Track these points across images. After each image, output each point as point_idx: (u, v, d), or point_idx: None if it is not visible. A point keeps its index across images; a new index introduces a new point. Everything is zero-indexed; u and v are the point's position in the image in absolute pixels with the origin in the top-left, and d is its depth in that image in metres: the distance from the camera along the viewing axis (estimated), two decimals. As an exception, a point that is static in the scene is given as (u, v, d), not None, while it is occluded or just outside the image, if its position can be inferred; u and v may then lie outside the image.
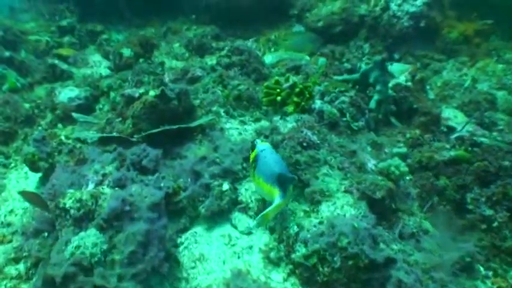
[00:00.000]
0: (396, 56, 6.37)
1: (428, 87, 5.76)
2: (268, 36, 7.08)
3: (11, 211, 3.70)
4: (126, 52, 5.67)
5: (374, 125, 4.39)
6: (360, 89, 4.57)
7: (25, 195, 3.27)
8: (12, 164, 4.47)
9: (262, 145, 3.15)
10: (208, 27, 7.39)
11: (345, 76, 4.79)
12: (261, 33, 7.32)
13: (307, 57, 6.55)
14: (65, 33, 7.81)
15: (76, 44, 7.65)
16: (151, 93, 3.92)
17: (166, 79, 4.69)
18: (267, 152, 3.06)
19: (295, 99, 4.15)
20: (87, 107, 4.74)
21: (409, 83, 4.91)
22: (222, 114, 4.30)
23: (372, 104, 4.42)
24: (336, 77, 4.82)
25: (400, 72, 5.81)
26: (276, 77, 4.46)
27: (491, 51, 6.32)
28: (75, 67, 6.07)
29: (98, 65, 6.13)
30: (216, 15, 7.49)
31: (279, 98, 4.18)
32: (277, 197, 2.81)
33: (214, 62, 5.41)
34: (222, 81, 4.63)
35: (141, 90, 4.00)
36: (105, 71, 6.04)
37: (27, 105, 4.99)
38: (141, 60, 5.71)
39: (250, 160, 3.19)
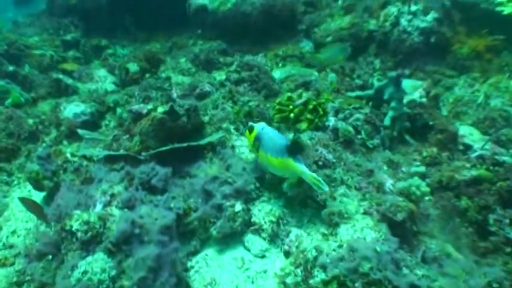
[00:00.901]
0: (407, 72, 6.24)
1: (440, 103, 5.64)
2: (275, 52, 6.97)
3: (14, 232, 3.55)
4: (133, 67, 5.55)
5: (389, 143, 4.25)
6: (374, 105, 4.45)
7: (25, 202, 3.14)
8: (15, 182, 4.34)
9: (260, 125, 3.27)
10: (215, 42, 7.29)
11: (358, 92, 4.67)
12: (269, 49, 7.22)
13: (316, 73, 6.43)
14: (70, 47, 7.74)
15: (81, 58, 7.56)
16: (160, 109, 3.79)
17: (174, 95, 4.55)
18: (267, 129, 3.21)
19: (309, 116, 4.02)
20: (92, 123, 4.61)
21: (424, 100, 4.78)
22: (232, 131, 4.17)
23: (387, 121, 4.28)
24: (349, 94, 4.70)
25: (412, 88, 5.68)
26: (289, 94, 4.32)
27: (503, 67, 6.19)
28: (80, 82, 5.95)
29: (103, 80, 6.01)
30: (222, 31, 7.39)
31: (292, 115, 4.05)
32: (297, 166, 2.95)
33: (223, 77, 5.29)
34: (232, 97, 4.50)
35: (149, 107, 3.87)
36: (110, 86, 5.93)
37: (30, 121, 4.85)
38: (147, 75, 5.60)
39: (251, 141, 3.28)
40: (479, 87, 6.00)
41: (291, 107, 4.08)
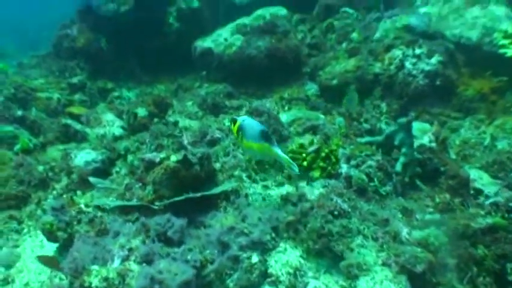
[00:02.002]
0: (412, 114, 6.28)
1: (447, 146, 5.66)
2: (281, 94, 7.03)
3: (27, 284, 3.51)
4: (141, 112, 5.59)
5: (401, 189, 4.25)
6: (384, 151, 4.46)
7: (43, 260, 3.11)
8: (25, 230, 4.31)
9: (242, 117, 3.63)
10: (221, 85, 7.37)
11: (369, 138, 4.68)
12: (273, 91, 7.29)
13: (322, 116, 6.48)
14: (76, 90, 7.79)
15: (87, 101, 7.62)
16: (173, 158, 3.80)
17: (185, 141, 4.57)
18: (248, 120, 3.57)
19: (321, 163, 4.03)
20: (103, 170, 4.61)
21: (433, 144, 4.80)
22: (245, 178, 4.17)
23: (398, 167, 4.29)
24: (359, 139, 4.71)
25: (419, 131, 5.71)
26: (301, 141, 4.34)
27: (508, 108, 6.24)
28: (88, 127, 5.97)
29: (111, 124, 6.03)
30: (228, 73, 7.47)
31: (305, 163, 4.06)
32: (273, 148, 3.36)
33: None
34: (243, 143, 4.51)
35: (162, 155, 3.88)
36: (118, 131, 5.94)
37: (41, 168, 4.86)
38: (155, 119, 5.63)
39: (235, 132, 3.61)
40: (485, 129, 6.04)
41: (303, 154, 4.09)
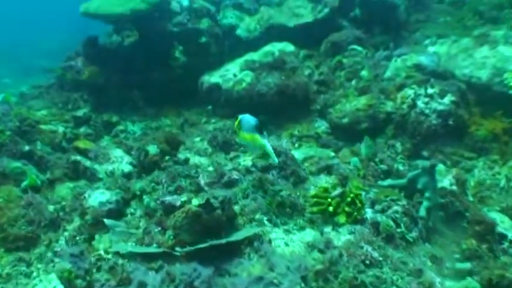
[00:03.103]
0: (425, 154, 6.22)
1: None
2: (291, 131, 6.96)
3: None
4: (153, 149, 5.47)
5: (425, 234, 4.14)
6: (406, 194, 4.36)
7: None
8: (35, 273, 4.13)
9: (243, 115, 4.14)
10: (229, 120, 7.28)
11: (390, 181, 4.60)
12: (283, 128, 7.21)
13: (332, 153, 6.40)
14: (81, 123, 7.68)
15: (92, 134, 7.49)
16: (195, 202, 3.67)
17: (202, 182, 4.46)
18: (247, 116, 4.07)
19: (347, 209, 3.91)
20: (117, 211, 4.46)
21: (454, 188, 4.72)
22: (266, 222, 4.05)
23: (422, 212, 4.19)
24: (380, 182, 4.62)
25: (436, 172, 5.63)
26: (324, 185, 4.24)
27: (521, 150, 6.22)
28: (97, 163, 5.84)
29: (119, 160, 5.90)
30: (236, 109, 7.38)
31: (331, 208, 3.94)
32: (261, 139, 3.91)
33: (247, 162, 5.19)
34: (262, 186, 4.40)
35: (183, 198, 3.77)
36: (127, 167, 5.82)
37: (51, 208, 4.70)
38: (167, 157, 5.51)
39: (236, 126, 4.15)
40: (500, 169, 5.97)
41: (329, 199, 3.98)
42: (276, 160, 3.95)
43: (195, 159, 6.14)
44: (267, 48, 8.09)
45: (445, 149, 6.30)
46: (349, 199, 3.94)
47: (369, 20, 8.79)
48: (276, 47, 8.16)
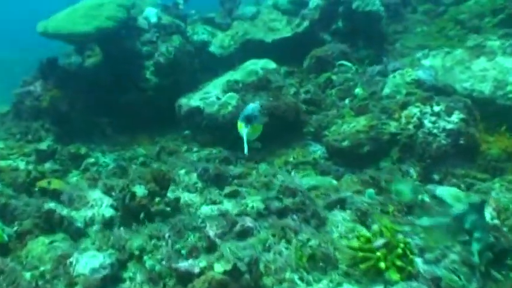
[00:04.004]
0: (436, 177, 5.72)
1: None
2: (285, 158, 6.33)
3: None
4: (140, 191, 4.71)
5: (483, 283, 3.57)
6: (452, 236, 3.79)
7: None
8: None
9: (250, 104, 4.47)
10: (214, 148, 6.59)
11: (429, 220, 4.01)
12: (275, 154, 6.57)
13: (334, 181, 5.81)
14: (45, 158, 6.82)
15: (59, 171, 6.65)
16: (218, 268, 2.97)
17: (211, 233, 3.75)
18: (249, 105, 4.38)
19: (398, 262, 3.28)
20: (113, 276, 3.67)
21: (497, 221, 4.19)
22: (297, 281, 3.38)
23: (476, 257, 3.62)
24: (419, 222, 4.02)
25: (452, 198, 5.12)
26: (365, 233, 3.61)
27: (538, 169, 5.80)
28: (73, 208, 5.00)
29: (98, 203, 5.09)
30: (221, 135, 6.70)
31: (382, 264, 3.28)
32: (242, 128, 4.13)
33: (257, 204, 4.46)
34: (284, 235, 3.74)
35: (202, 263, 3.05)
36: (108, 211, 5.01)
37: (28, 275, 3.86)
38: (157, 199, 4.76)
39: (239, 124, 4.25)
40: (519, 191, 5.53)
41: (378, 253, 3.33)
42: (246, 152, 4.12)
43: (184, 196, 5.41)
44: (249, 66, 7.44)
45: (456, 170, 5.81)
46: (399, 250, 3.31)
47: (353, 33, 8.29)
48: (257, 65, 7.53)
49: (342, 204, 4.78)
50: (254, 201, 4.43)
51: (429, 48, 8.72)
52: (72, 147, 7.16)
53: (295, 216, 4.01)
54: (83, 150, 7.08)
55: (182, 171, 6.02)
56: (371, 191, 4.90)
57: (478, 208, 3.73)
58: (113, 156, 7.30)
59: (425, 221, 3.97)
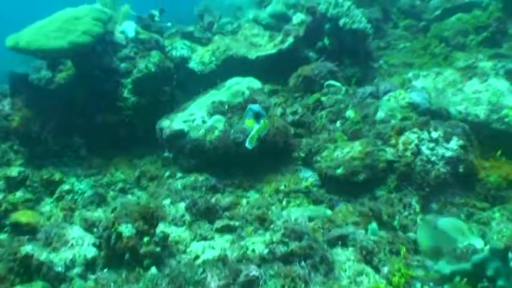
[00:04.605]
0: (435, 207, 5.49)
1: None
2: (275, 186, 5.99)
3: None
4: (127, 230, 4.33)
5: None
6: (472, 283, 3.53)
7: None
8: None
9: (251, 105, 4.32)
10: (200, 175, 6.20)
11: (447, 266, 3.73)
12: (264, 181, 6.23)
13: (329, 211, 5.53)
14: (16, 185, 6.32)
15: (31, 200, 6.17)
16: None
17: (212, 285, 3.39)
18: (252, 106, 4.24)
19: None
20: None
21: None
22: None
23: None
24: (438, 269, 3.74)
25: (454, 230, 4.90)
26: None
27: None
28: (51, 249, 4.57)
29: (79, 242, 4.67)
30: (206, 161, 6.32)
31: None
32: (255, 125, 4.07)
33: (261, 248, 4.09)
34: (294, 286, 3.40)
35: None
36: (90, 251, 4.61)
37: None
38: (145, 240, 4.38)
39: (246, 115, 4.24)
40: (521, 222, 5.33)
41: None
42: (251, 147, 4.17)
43: (171, 231, 5.03)
44: (234, 86, 7.09)
45: (455, 199, 5.60)
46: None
47: (339, 51, 8.03)
48: (242, 84, 7.19)
49: (343, 240, 4.49)
50: (255, 244, 4.07)
51: (414, 65, 8.59)
52: (45, 172, 6.66)
53: (303, 263, 3.67)
54: (57, 176, 6.60)
55: (167, 201, 5.69)
56: (374, 226, 4.64)
57: (501, 254, 3.46)
58: (89, 181, 6.82)
59: (444, 267, 3.68)
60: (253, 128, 4.13)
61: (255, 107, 4.28)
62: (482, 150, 6.14)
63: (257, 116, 4.18)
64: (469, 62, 6.84)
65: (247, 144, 4.12)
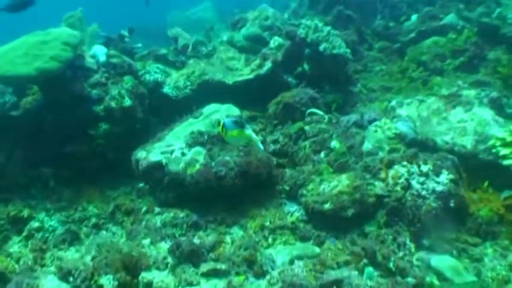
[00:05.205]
0: (426, 243, 5.31)
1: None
2: (260, 222, 5.71)
3: None
4: (108, 283, 3.99)
5: None
6: None
7: None
8: None
9: (224, 118, 4.89)
10: (181, 211, 5.87)
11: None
12: (247, 215, 5.93)
13: (317, 249, 5.30)
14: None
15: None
16: None
17: None
18: (227, 119, 4.62)
19: None
20: None
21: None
22: None
23: None
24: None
25: (452, 270, 4.76)
26: None
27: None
28: (23, 302, 4.18)
29: (55, 294, 4.30)
30: (186, 195, 6.00)
31: None
32: (247, 132, 4.57)
33: None
34: None
35: None
36: (66, 303, 4.24)
37: None
38: (128, 291, 4.04)
39: (221, 129, 4.57)
40: (514, 258, 5.22)
41: None
42: (262, 147, 4.77)
43: (154, 277, 4.70)
44: (212, 114, 6.79)
45: (446, 234, 5.43)
46: None
47: (319, 76, 7.86)
48: (220, 112, 6.90)
49: (338, 285, 4.26)
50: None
51: (393, 89, 8.51)
52: (11, 208, 6.22)
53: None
54: (25, 213, 6.16)
55: (146, 241, 5.33)
56: (370, 270, 4.43)
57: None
58: (59, 216, 6.40)
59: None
60: (240, 137, 4.56)
61: (230, 119, 4.70)
62: (469, 181, 6.02)
63: (240, 124, 4.55)
64: (453, 90, 6.74)
65: (261, 147, 5.06)
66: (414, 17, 10.60)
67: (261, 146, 4.95)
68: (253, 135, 4.80)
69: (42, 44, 6.94)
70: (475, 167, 6.09)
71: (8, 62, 6.66)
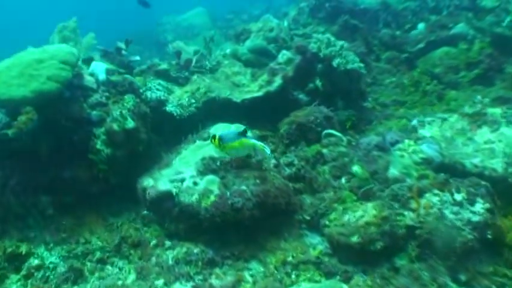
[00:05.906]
0: (463, 278, 4.92)
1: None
2: (281, 257, 5.28)
3: None
4: None
5: None
6: None
7: None
8: None
9: (218, 133, 4.86)
10: (195, 246, 5.43)
11: None
12: (266, 249, 5.50)
13: (345, 286, 4.90)
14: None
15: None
16: None
17: None
18: (224, 132, 4.89)
19: None
20: None
21: None
22: None
23: None
24: None
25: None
26: None
27: None
28: None
29: None
30: (196, 224, 5.56)
31: None
32: (249, 139, 4.66)
33: None
34: None
35: None
36: None
37: None
38: None
39: (217, 144, 4.79)
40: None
41: None
42: (268, 151, 4.57)
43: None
44: (224, 137, 6.33)
45: (483, 268, 5.04)
46: None
47: (331, 92, 7.45)
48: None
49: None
50: None
51: (407, 103, 8.16)
52: (8, 244, 5.76)
53: None
54: (23, 249, 5.68)
55: (159, 282, 4.87)
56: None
57: None
58: (60, 251, 5.92)
59: None
60: (243, 147, 4.62)
61: (225, 131, 4.81)
62: (500, 206, 5.65)
63: (242, 134, 4.62)
64: (477, 108, 6.35)
65: (268, 152, 4.65)
66: (421, 26, 10.25)
67: (268, 151, 4.61)
68: (256, 141, 4.63)
69: (38, 63, 6.46)
70: (505, 191, 5.71)
71: (2, 84, 6.17)
